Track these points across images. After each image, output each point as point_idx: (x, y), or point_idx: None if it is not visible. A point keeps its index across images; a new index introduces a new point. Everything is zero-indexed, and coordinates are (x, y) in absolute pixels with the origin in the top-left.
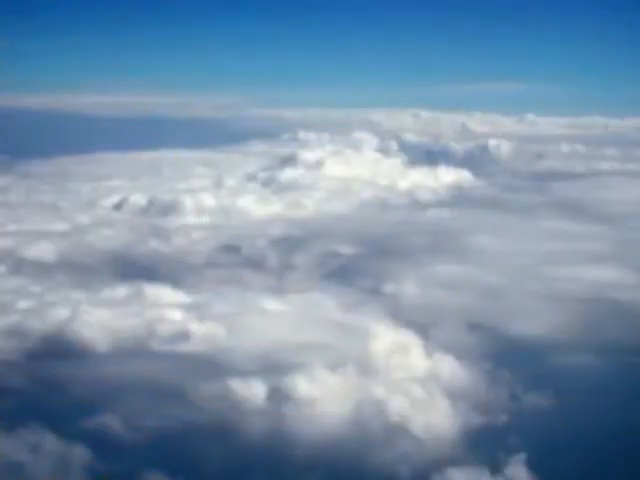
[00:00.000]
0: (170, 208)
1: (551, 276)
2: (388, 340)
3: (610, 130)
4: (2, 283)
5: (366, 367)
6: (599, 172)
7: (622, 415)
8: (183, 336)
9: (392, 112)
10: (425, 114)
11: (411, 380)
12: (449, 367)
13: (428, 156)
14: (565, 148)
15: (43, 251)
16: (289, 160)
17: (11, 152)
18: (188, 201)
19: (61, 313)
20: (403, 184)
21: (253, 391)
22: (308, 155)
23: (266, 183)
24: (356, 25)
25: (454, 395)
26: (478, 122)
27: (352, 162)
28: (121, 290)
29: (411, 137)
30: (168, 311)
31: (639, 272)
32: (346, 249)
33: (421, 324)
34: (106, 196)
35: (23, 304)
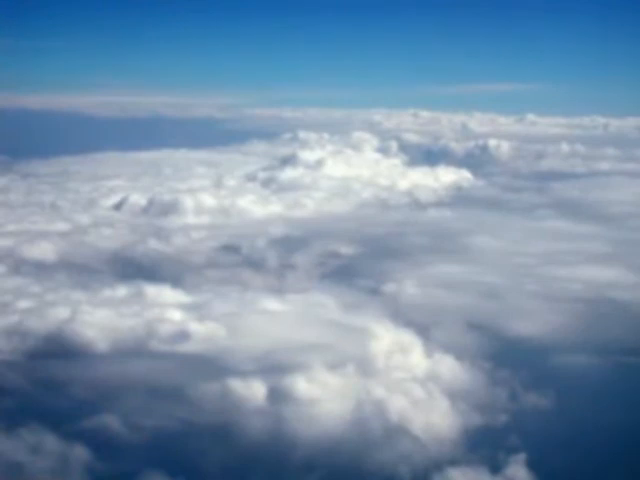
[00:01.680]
0: (170, 208)
1: (551, 276)
2: (388, 340)
3: (610, 130)
4: (2, 283)
5: (366, 367)
6: (599, 172)
7: (622, 415)
8: (183, 336)
9: (392, 112)
10: (425, 114)
11: (411, 380)
12: (449, 367)
13: (428, 156)
14: (565, 148)
15: (43, 251)
16: (289, 160)
17: (11, 152)
18: (188, 201)
19: (61, 313)
20: (403, 184)
21: (253, 391)
22: (308, 155)
23: (266, 183)
24: (356, 25)
25: (454, 395)
26: (478, 122)
27: (352, 162)
28: (121, 290)
29: (411, 137)
30: (168, 311)
31: (639, 272)
32: (346, 249)
33: (421, 324)
34: (106, 196)
35: (23, 304)
